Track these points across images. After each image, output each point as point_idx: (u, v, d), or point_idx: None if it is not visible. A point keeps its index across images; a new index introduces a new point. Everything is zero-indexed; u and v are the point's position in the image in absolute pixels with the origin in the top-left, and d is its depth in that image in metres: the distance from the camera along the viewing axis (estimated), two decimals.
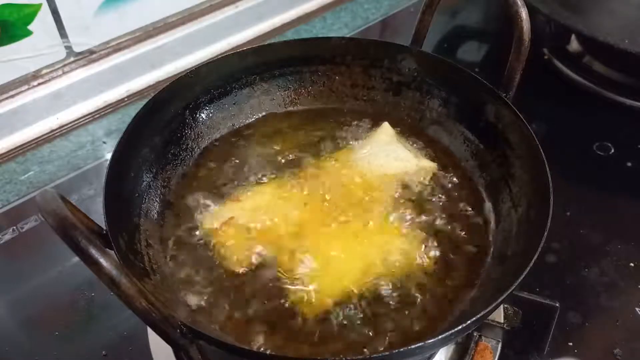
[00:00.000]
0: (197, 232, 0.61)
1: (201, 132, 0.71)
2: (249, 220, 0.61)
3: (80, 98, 0.96)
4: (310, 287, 0.56)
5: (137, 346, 0.65)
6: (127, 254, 0.54)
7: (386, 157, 0.67)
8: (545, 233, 0.51)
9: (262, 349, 0.52)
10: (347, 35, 1.10)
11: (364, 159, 0.67)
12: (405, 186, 0.65)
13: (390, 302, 0.55)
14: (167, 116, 0.67)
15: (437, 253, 0.59)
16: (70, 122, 0.95)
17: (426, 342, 0.45)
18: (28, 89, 0.91)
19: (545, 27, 1.08)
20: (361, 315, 0.54)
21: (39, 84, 0.91)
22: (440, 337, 0.45)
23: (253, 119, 0.74)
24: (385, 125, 0.71)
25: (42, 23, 0.86)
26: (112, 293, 0.39)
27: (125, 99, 0.99)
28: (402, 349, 0.45)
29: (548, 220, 0.52)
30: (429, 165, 0.67)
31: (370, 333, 0.53)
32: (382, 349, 0.52)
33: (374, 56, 0.74)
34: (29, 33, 0.86)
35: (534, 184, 0.58)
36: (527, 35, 0.62)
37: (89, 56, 0.95)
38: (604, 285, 0.71)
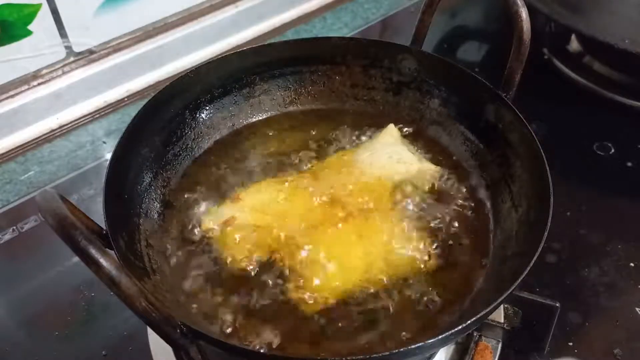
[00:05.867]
0: (198, 232, 0.61)
1: (201, 132, 0.71)
2: (250, 219, 0.61)
3: (80, 98, 0.96)
4: (311, 286, 0.56)
5: (137, 346, 0.65)
6: (127, 254, 0.54)
7: (389, 158, 0.67)
8: (546, 233, 0.51)
9: (262, 349, 0.52)
10: (347, 35, 1.10)
11: (366, 159, 0.67)
12: (407, 188, 0.65)
13: (391, 302, 0.55)
14: (167, 116, 0.67)
15: (438, 253, 0.59)
16: (70, 122, 0.95)
17: (426, 342, 0.45)
18: (28, 89, 0.91)
19: (545, 27, 1.08)
20: (362, 315, 0.54)
21: (39, 84, 0.91)
22: (440, 337, 0.45)
23: (253, 119, 0.74)
24: (391, 126, 0.71)
25: (42, 23, 0.86)
26: (112, 293, 0.39)
27: (125, 99, 0.99)
28: (402, 349, 0.45)
29: (548, 220, 0.52)
30: (432, 168, 0.67)
31: (371, 332, 0.53)
32: (382, 348, 0.52)
33: (374, 56, 0.74)
34: (29, 33, 0.86)
35: (534, 184, 0.58)
36: (527, 35, 0.62)
37: (89, 56, 0.95)
38: (604, 285, 0.71)
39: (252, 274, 0.57)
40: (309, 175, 0.66)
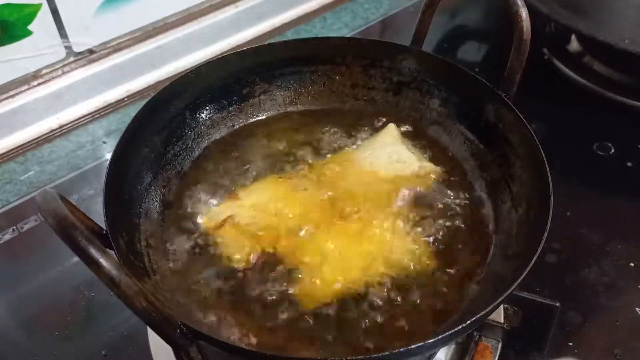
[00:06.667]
0: (197, 231, 0.61)
1: (201, 132, 0.71)
2: (249, 218, 0.61)
3: (80, 98, 0.96)
4: (310, 286, 0.56)
5: (137, 346, 0.65)
6: (127, 254, 0.54)
7: (389, 158, 0.67)
8: (546, 233, 0.51)
9: (262, 348, 0.52)
10: (347, 35, 1.10)
11: (366, 159, 0.67)
12: (407, 187, 0.65)
13: (391, 301, 0.55)
14: (167, 116, 0.67)
15: (438, 253, 0.59)
16: (70, 122, 0.95)
17: (426, 342, 0.45)
18: (28, 89, 0.91)
19: (545, 27, 1.08)
20: (361, 314, 0.54)
21: (39, 84, 0.91)
22: (440, 337, 0.45)
23: (253, 119, 0.75)
24: (391, 126, 0.71)
25: (42, 23, 0.86)
26: (112, 293, 0.39)
27: (125, 99, 0.99)
28: (402, 349, 0.45)
29: (548, 220, 0.52)
30: (431, 167, 0.67)
31: (370, 331, 0.53)
32: (382, 348, 0.52)
33: (374, 56, 0.74)
34: (29, 33, 0.86)
35: (534, 184, 0.58)
36: (527, 35, 0.62)
37: (89, 56, 0.95)
38: (604, 285, 0.71)
39: (252, 272, 0.57)
40: (308, 175, 0.66)
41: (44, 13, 0.86)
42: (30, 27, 0.86)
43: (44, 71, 0.91)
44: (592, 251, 0.75)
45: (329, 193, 0.64)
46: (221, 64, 0.71)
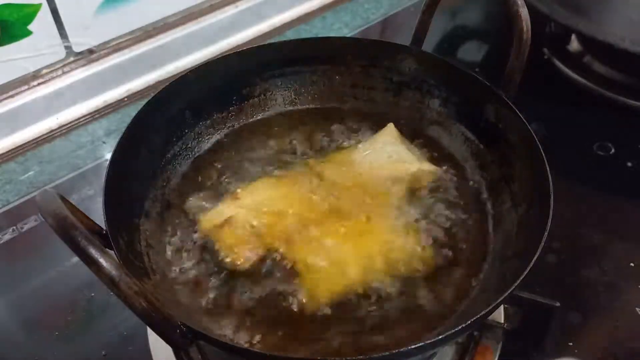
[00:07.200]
0: (197, 231, 0.61)
1: (201, 132, 0.71)
2: (249, 218, 0.61)
3: (80, 98, 0.96)
4: (310, 285, 0.56)
5: (137, 346, 0.65)
6: (127, 254, 0.54)
7: (388, 158, 0.67)
8: (546, 233, 0.51)
9: (262, 348, 0.52)
10: (347, 35, 1.10)
11: (366, 159, 0.67)
12: (406, 188, 0.65)
13: (390, 301, 0.55)
14: (167, 116, 0.67)
15: (438, 253, 0.59)
16: (70, 122, 0.95)
17: (426, 342, 0.45)
18: (28, 89, 0.91)
19: (545, 27, 1.08)
20: (362, 314, 0.54)
21: (39, 84, 0.91)
22: (440, 337, 0.45)
23: (253, 119, 0.74)
24: (390, 126, 0.71)
25: (42, 23, 0.86)
26: (112, 293, 0.39)
27: (125, 99, 0.99)
28: (402, 349, 0.45)
29: (548, 220, 0.52)
30: (431, 168, 0.67)
31: (370, 332, 0.53)
32: (381, 348, 0.52)
33: (374, 56, 0.74)
34: (28, 33, 0.86)
35: (534, 184, 0.58)
36: (527, 35, 0.62)
37: (88, 56, 0.95)
38: (604, 285, 0.71)
39: (251, 273, 0.57)
40: (308, 175, 0.66)
41: (44, 13, 0.86)
42: (30, 27, 0.86)
43: (44, 71, 0.91)
44: (592, 251, 0.75)
45: (329, 193, 0.64)
46: (221, 64, 0.71)
